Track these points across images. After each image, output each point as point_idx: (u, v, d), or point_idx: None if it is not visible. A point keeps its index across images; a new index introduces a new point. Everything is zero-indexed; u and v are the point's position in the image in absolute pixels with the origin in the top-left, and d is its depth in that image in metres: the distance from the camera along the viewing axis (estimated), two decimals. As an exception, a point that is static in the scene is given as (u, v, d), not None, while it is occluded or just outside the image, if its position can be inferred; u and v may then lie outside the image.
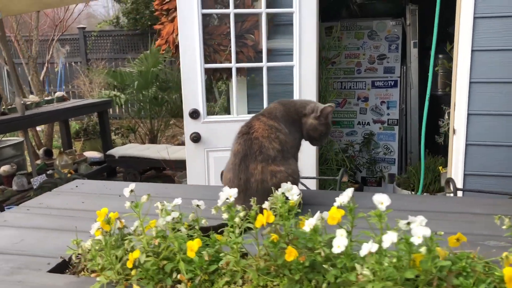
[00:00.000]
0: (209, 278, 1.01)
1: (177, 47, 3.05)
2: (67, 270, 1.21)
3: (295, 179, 1.45)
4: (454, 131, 3.05)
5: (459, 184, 3.07)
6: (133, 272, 1.02)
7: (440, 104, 4.66)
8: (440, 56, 4.67)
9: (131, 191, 1.14)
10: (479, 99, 2.92)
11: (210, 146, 3.14)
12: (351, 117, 4.83)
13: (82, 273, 1.18)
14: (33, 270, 1.21)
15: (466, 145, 3.01)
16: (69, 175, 4.95)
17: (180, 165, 5.79)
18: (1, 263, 1.25)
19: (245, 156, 1.48)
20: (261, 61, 3.08)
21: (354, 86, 4.78)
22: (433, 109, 4.70)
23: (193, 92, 3.05)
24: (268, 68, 3.09)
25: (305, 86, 3.13)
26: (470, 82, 2.92)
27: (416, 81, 4.81)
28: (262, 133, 1.50)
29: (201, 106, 3.07)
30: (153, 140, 8.27)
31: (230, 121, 3.14)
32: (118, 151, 6.01)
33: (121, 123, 8.85)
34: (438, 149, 4.37)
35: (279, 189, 1.06)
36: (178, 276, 1.01)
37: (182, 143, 8.25)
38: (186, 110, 3.07)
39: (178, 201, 1.12)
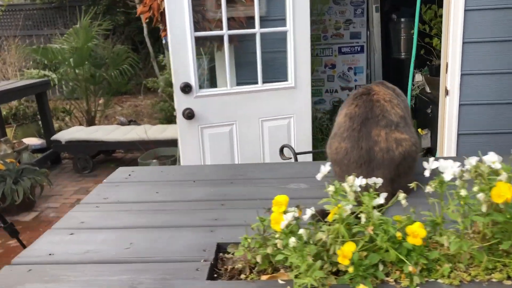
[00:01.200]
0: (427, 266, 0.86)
1: (162, 14, 2.75)
2: (215, 275, 1.00)
3: (418, 150, 1.30)
4: (446, 92, 3.09)
5: (453, 144, 3.13)
6: (350, 270, 0.83)
7: (405, 67, 4.73)
8: (403, 20, 4.72)
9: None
10: (471, 59, 2.96)
11: (204, 122, 2.91)
12: (319, 85, 4.76)
13: (250, 276, 0.96)
14: (188, 280, 0.96)
15: (460, 105, 3.06)
16: (17, 165, 4.44)
17: (133, 147, 5.43)
18: (137, 274, 1.00)
19: (366, 119, 1.26)
20: (252, 28, 2.88)
21: (320, 53, 4.70)
22: (401, 73, 4.77)
23: (183, 64, 2.79)
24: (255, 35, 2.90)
25: (300, 52, 2.98)
26: (463, 43, 2.94)
27: (379, 45, 4.83)
28: (384, 97, 1.31)
29: (192, 79, 2.82)
30: (91, 122, 7.70)
31: (225, 93, 2.93)
32: (64, 136, 5.50)
33: (53, 105, 8.12)
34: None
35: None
36: (409, 268, 0.83)
37: (121, 123, 7.78)
38: (176, 84, 2.80)
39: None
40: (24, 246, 2.79)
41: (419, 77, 4.32)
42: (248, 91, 2.96)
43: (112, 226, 1.30)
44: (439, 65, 3.76)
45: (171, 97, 7.53)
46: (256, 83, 3.00)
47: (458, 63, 2.98)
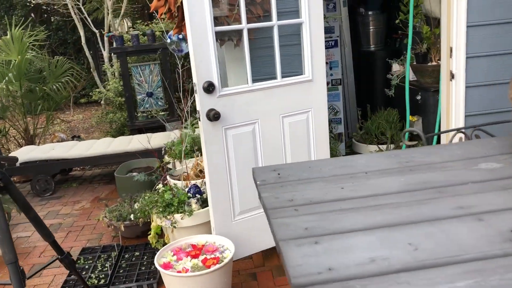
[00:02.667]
0: None
1: (179, 9, 2.53)
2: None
3: None
4: (452, 76, 3.18)
5: (461, 126, 3.23)
6: None
7: (375, 59, 4.85)
8: (370, 13, 4.83)
9: None
10: (475, 42, 3.08)
11: (227, 123, 2.74)
12: (297, 81, 4.71)
13: None
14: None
15: (466, 87, 3.17)
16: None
17: (98, 162, 5.02)
18: (475, 277, 0.80)
19: None
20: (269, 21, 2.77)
21: (297, 49, 4.66)
22: (371, 65, 4.88)
23: (206, 61, 2.60)
24: (271, 29, 2.79)
25: (315, 44, 2.91)
26: (467, 26, 3.05)
27: (348, 39, 4.91)
28: None
29: (215, 78, 2.64)
30: (31, 142, 7.02)
31: (247, 91, 2.78)
32: (17, 157, 4.93)
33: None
34: (389, 102, 4.56)
35: None
36: None
37: (61, 140, 7.19)
38: (199, 83, 2.60)
39: None
40: (81, 277, 2.44)
41: (396, 67, 4.45)
42: (269, 87, 2.84)
43: (349, 228, 1.08)
44: (424, 53, 3.89)
45: (120, 107, 7.11)
46: (272, 78, 2.88)
47: (463, 47, 3.08)
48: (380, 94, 4.72)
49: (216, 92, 2.65)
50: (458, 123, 3.26)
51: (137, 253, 3.36)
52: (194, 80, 2.61)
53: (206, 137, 2.69)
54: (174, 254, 2.65)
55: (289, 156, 2.99)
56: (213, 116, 2.63)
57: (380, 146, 4.17)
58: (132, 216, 3.54)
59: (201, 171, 3.94)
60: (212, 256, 2.56)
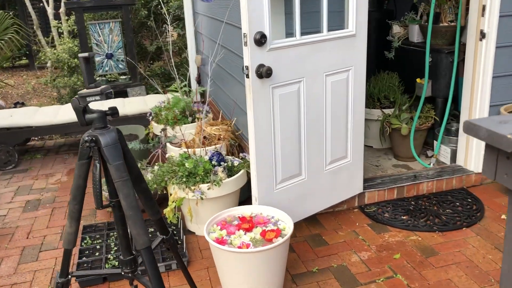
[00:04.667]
0: None
1: None
2: None
3: None
4: (483, 35, 3.10)
5: (488, 87, 3.19)
6: None
7: (370, 21, 4.69)
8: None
9: None
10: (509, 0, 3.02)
11: (275, 81, 2.44)
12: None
13: None
14: None
15: (496, 48, 3.11)
16: None
17: (59, 130, 4.46)
18: None
19: None
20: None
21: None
22: (372, 26, 4.72)
23: (259, 10, 2.27)
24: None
25: (361, -4, 2.67)
26: (502, -17, 2.96)
27: None
28: None
29: (267, 28, 2.32)
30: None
31: (295, 45, 2.49)
32: (-31, 125, 4.24)
33: None
34: (387, 65, 4.45)
35: None
36: None
37: (1, 107, 6.42)
38: (251, 34, 2.28)
39: None
40: (186, 269, 2.06)
41: (397, 29, 4.33)
42: (316, 41, 2.57)
43: None
44: (436, 13, 3.79)
45: (71, 71, 6.40)
46: (315, 32, 2.62)
47: (497, 4, 3.00)
48: (376, 57, 4.59)
49: (267, 45, 2.34)
50: (486, 85, 3.21)
51: (151, 229, 3.00)
52: (244, 30, 2.27)
53: (254, 96, 2.38)
54: (221, 228, 2.36)
55: (329, 120, 2.77)
56: (266, 72, 2.33)
57: (384, 110, 4.06)
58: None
59: (205, 138, 3.61)
60: (270, 228, 2.31)
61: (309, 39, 2.53)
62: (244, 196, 3.23)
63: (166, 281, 2.57)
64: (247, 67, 2.33)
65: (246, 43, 2.28)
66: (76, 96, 1.35)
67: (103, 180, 1.55)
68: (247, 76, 2.35)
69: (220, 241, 2.23)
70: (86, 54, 1.39)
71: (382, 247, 2.77)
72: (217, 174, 2.85)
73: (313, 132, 2.71)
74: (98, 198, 1.42)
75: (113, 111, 1.37)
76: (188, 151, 3.22)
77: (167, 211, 2.91)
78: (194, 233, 3.03)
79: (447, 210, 3.10)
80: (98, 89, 1.39)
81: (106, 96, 1.35)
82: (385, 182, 3.30)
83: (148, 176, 2.98)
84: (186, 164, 2.87)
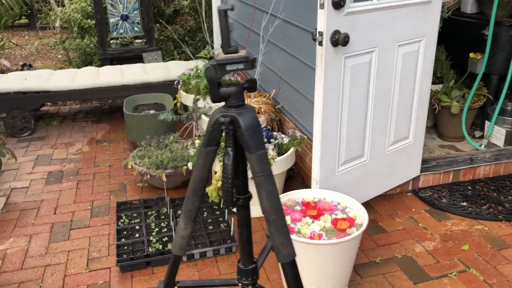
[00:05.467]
0: None
1: None
2: None
3: None
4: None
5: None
6: None
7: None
8: None
9: None
10: None
11: (348, 50, 2.16)
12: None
13: None
14: None
15: None
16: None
17: (77, 96, 4.13)
18: None
19: None
20: None
21: None
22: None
23: (340, -35, 1.96)
24: None
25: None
26: None
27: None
28: None
29: (346, -11, 2.02)
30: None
31: (373, 9, 2.20)
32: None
33: None
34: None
35: None
36: None
37: (6, 69, 6.09)
38: (329, -5, 1.98)
39: None
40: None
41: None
42: (394, 6, 2.27)
43: None
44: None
45: (82, 32, 6.02)
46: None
47: None
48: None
49: (345, 8, 2.04)
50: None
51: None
52: (322, -10, 1.97)
53: (326, 67, 2.10)
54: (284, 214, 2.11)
55: (396, 96, 2.50)
56: (343, 40, 2.04)
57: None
58: (174, 164, 2.88)
59: (243, 110, 3.33)
60: (340, 217, 2.07)
61: (387, 4, 2.23)
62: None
63: (215, 266, 2.35)
64: (321, 33, 2.04)
65: (323, 5, 1.99)
66: (211, 62, 1.03)
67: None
68: (320, 43, 2.06)
69: (287, 229, 1.99)
70: (228, 7, 1.02)
71: (446, 236, 2.55)
72: (267, 151, 2.60)
73: (379, 110, 2.45)
74: (229, 195, 1.10)
75: (252, 84, 1.07)
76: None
77: (210, 190, 2.66)
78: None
79: (509, 197, 2.88)
80: (242, 54, 1.05)
81: (251, 64, 1.04)
82: (440, 165, 3.06)
83: (190, 151, 2.72)
84: (234, 140, 2.60)
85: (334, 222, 2.02)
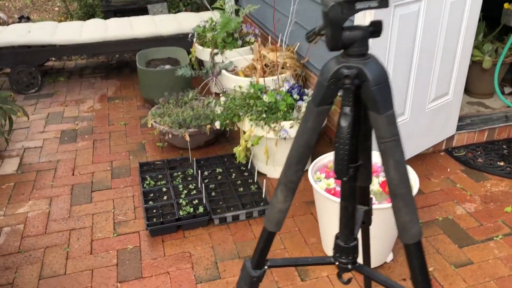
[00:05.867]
0: None
1: None
2: None
3: None
4: None
5: None
6: None
7: None
8: None
9: None
10: None
11: (398, -3, 1.97)
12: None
13: None
14: None
15: None
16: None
17: (85, 50, 3.91)
18: None
19: None
20: None
21: None
22: None
23: None
24: None
25: None
26: None
27: None
28: None
29: None
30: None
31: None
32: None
33: None
34: None
35: None
36: None
37: (2, 21, 5.82)
38: None
39: None
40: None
41: None
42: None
43: None
44: None
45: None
46: None
47: None
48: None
49: (399, -50, 1.84)
50: None
51: (218, 169, 2.63)
52: None
53: (375, 16, 1.92)
54: (327, 176, 1.99)
55: (440, 50, 2.33)
56: (397, -14, 1.84)
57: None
58: (198, 122, 2.73)
59: (266, 65, 3.15)
60: (388, 179, 1.94)
61: None
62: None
63: (248, 230, 2.25)
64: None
65: None
66: (336, 0, 0.84)
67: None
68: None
69: (331, 192, 1.88)
70: None
71: (487, 198, 2.45)
72: (301, 110, 2.44)
73: (423, 64, 2.28)
74: (344, 164, 0.92)
75: (377, 27, 0.88)
76: (256, 80, 2.78)
77: (238, 150, 2.52)
78: (265, 175, 2.67)
79: (547, 157, 2.77)
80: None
81: (386, 2, 0.85)
82: (475, 123, 2.92)
83: (217, 109, 2.56)
84: (265, 98, 2.44)
85: (383, 184, 1.90)
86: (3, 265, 2.06)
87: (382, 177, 1.96)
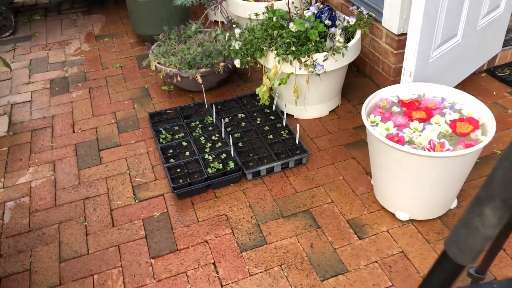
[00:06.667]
0: None
1: None
2: None
3: None
4: None
5: None
6: None
7: None
8: None
9: None
10: None
11: None
12: None
13: None
14: None
15: None
16: None
17: None
18: None
19: None
20: None
21: None
22: None
23: None
24: None
25: None
26: None
27: None
28: None
29: None
30: None
31: None
32: None
33: None
34: None
35: None
36: None
37: None
38: None
39: None
40: None
41: None
42: None
43: None
44: None
45: None
46: None
47: None
48: None
49: None
50: None
51: (240, 114, 2.31)
52: None
53: None
54: (382, 119, 1.70)
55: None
56: None
57: None
58: (209, 61, 2.36)
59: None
60: (454, 117, 1.66)
61: None
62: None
63: (286, 183, 1.99)
64: None
65: None
66: None
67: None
68: None
69: (394, 139, 1.59)
70: None
71: (545, 123, 2.20)
72: (334, 39, 2.09)
73: (482, -27, 1.91)
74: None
75: None
76: (270, 6, 2.37)
77: (262, 92, 2.19)
78: (292, 116, 2.37)
79: None
80: None
81: None
82: (519, 37, 2.61)
83: (235, 45, 2.18)
84: (292, 27, 2.06)
85: (453, 124, 1.62)
86: (14, 248, 1.79)
87: (448, 115, 1.68)
